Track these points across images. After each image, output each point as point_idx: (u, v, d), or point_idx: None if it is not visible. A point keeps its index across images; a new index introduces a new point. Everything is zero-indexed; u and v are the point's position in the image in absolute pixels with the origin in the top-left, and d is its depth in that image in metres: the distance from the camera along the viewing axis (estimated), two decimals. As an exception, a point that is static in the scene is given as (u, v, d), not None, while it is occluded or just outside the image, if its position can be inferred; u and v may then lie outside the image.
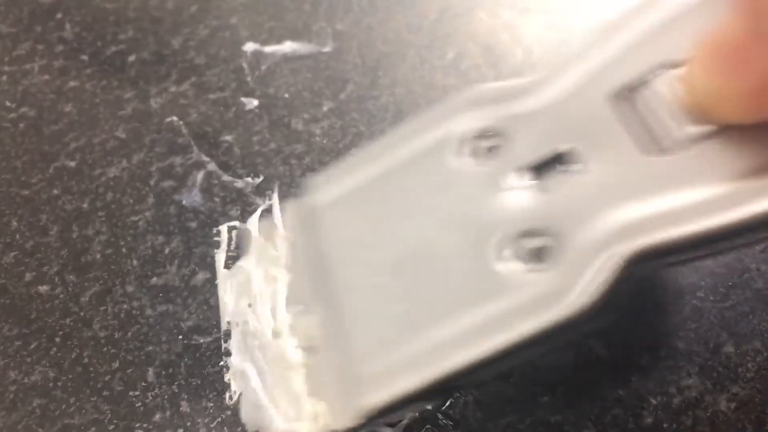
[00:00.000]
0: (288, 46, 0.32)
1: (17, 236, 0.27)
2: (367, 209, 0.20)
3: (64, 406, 0.24)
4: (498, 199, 0.18)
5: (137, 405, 0.23)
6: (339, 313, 0.20)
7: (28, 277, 0.26)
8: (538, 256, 0.17)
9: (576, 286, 0.16)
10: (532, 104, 0.18)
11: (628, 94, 0.17)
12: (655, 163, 0.16)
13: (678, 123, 0.16)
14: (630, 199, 0.16)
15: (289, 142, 0.29)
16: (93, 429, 0.23)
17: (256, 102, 0.30)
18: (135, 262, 0.26)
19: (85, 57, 0.32)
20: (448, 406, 0.23)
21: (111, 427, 0.23)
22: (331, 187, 0.21)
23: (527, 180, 0.18)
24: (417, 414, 0.23)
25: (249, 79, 0.31)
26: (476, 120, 0.19)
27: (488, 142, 0.19)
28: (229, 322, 0.22)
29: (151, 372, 0.24)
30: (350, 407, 0.18)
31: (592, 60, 0.18)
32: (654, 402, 0.23)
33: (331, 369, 0.19)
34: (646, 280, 0.25)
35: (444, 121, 0.20)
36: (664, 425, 0.22)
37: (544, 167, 0.18)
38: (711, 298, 0.25)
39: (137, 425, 0.23)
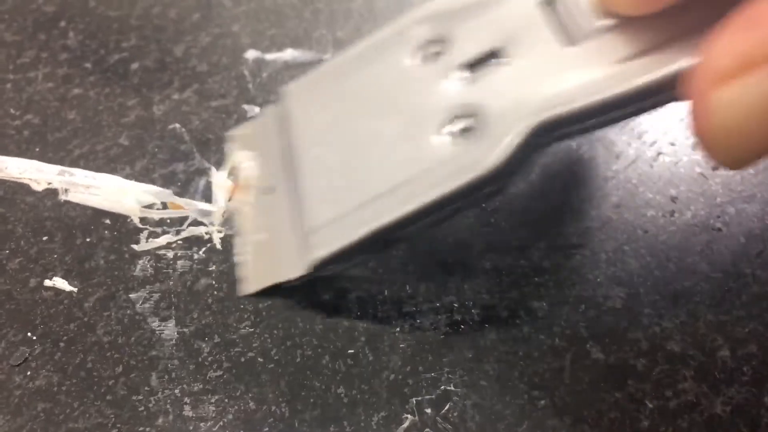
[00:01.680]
0: (289, 54, 0.32)
1: (22, 242, 0.27)
2: (331, 105, 0.25)
3: (68, 411, 0.24)
4: (438, 91, 0.22)
5: (140, 409, 0.24)
6: (296, 186, 0.24)
7: (32, 282, 0.26)
8: (467, 133, 0.21)
9: (489, 153, 0.20)
10: (473, 13, 0.22)
11: None
12: (567, 52, 0.20)
13: (588, 19, 0.19)
14: (541, 83, 0.20)
15: (290, 149, 0.29)
16: (97, 433, 0.23)
17: (257, 109, 0.30)
18: (138, 268, 0.26)
19: (88, 65, 0.32)
20: (447, 409, 0.23)
21: (114, 431, 0.23)
22: (302, 90, 0.26)
23: (464, 74, 0.22)
24: (416, 417, 0.23)
25: (251, 86, 0.31)
26: (426, 28, 0.23)
27: (436, 48, 0.23)
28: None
29: (154, 376, 0.24)
30: (300, 259, 0.23)
31: None
32: (650, 405, 0.23)
33: (285, 230, 0.24)
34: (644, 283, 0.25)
35: (398, 31, 0.24)
36: (661, 429, 0.23)
37: (480, 63, 0.21)
38: (707, 302, 0.25)
39: (141, 429, 0.23)
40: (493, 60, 0.21)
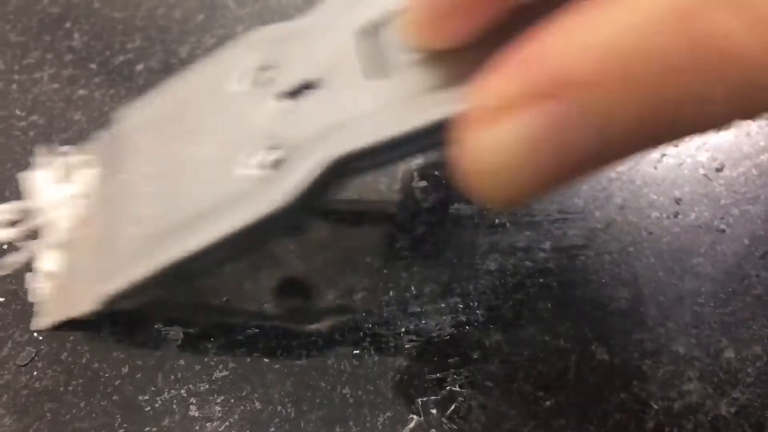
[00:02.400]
0: (294, 55, 0.32)
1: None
2: (156, 128, 0.24)
3: (74, 411, 0.24)
4: (253, 119, 0.21)
5: (147, 409, 0.24)
6: (112, 214, 0.24)
7: (38, 283, 0.27)
8: (278, 165, 0.20)
9: (282, 188, 0.19)
10: (298, 41, 0.21)
11: (373, 30, 0.19)
12: (374, 85, 0.19)
13: (398, 52, 0.19)
14: (341, 116, 0.19)
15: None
16: (103, 433, 0.24)
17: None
18: (144, 268, 0.27)
19: (93, 66, 0.32)
20: (453, 410, 0.23)
21: (120, 431, 0.23)
22: (133, 115, 0.25)
23: (285, 103, 0.21)
24: (422, 417, 0.23)
25: (255, 87, 0.31)
26: (256, 54, 0.22)
27: (265, 74, 0.22)
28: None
29: (160, 377, 0.24)
30: (93, 294, 0.23)
31: (343, 1, 0.21)
32: (656, 407, 0.23)
33: (92, 260, 0.24)
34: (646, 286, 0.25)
35: (229, 56, 0.23)
36: (666, 429, 0.23)
37: (299, 93, 0.21)
38: (711, 303, 0.25)
39: (147, 429, 0.23)
40: (306, 90, 0.20)
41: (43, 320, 0.25)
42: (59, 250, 0.26)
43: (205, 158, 0.22)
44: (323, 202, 0.20)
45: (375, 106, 0.19)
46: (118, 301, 0.22)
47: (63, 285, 0.25)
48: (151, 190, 0.23)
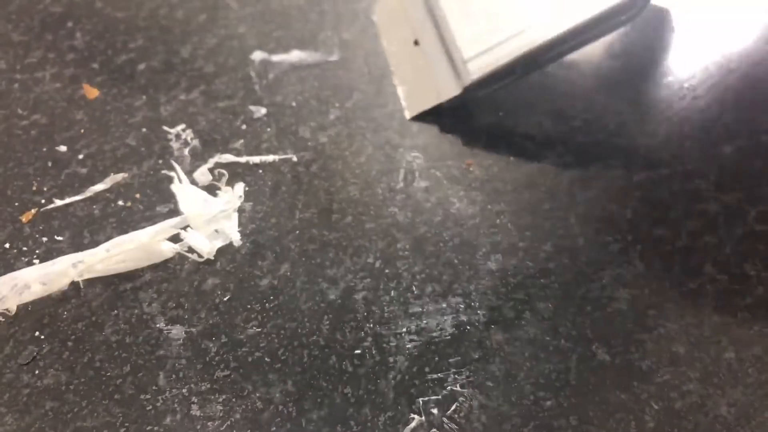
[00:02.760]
0: (295, 55, 0.32)
1: (30, 242, 0.27)
2: None
3: (76, 409, 0.24)
4: None
5: (148, 408, 0.24)
6: (441, 32, 0.30)
7: (40, 282, 0.27)
8: None
9: None
10: None
11: None
12: None
13: None
14: None
15: (297, 150, 0.29)
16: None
17: (264, 110, 0.30)
18: (146, 267, 0.27)
19: (95, 65, 0.32)
20: (453, 410, 0.23)
21: (122, 430, 0.23)
22: None
23: None
24: (423, 417, 0.23)
25: (257, 87, 0.31)
26: None
27: None
28: None
29: (162, 376, 0.24)
30: (455, 83, 0.29)
31: None
32: (656, 407, 0.23)
33: (439, 66, 0.30)
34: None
35: None
36: (666, 429, 0.23)
37: None
38: (711, 304, 0.25)
39: (148, 428, 0.23)
40: None
41: (411, 111, 0.31)
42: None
43: None
44: None
45: None
46: (477, 89, 0.28)
47: (421, 84, 0.31)
48: (480, 10, 0.29)
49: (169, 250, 0.26)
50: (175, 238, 0.27)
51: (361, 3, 0.34)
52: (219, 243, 0.27)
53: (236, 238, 0.27)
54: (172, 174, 0.29)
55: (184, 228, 0.27)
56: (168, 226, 0.27)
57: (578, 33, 0.26)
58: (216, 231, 0.27)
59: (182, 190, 0.28)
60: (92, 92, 0.28)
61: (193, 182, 0.28)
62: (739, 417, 0.23)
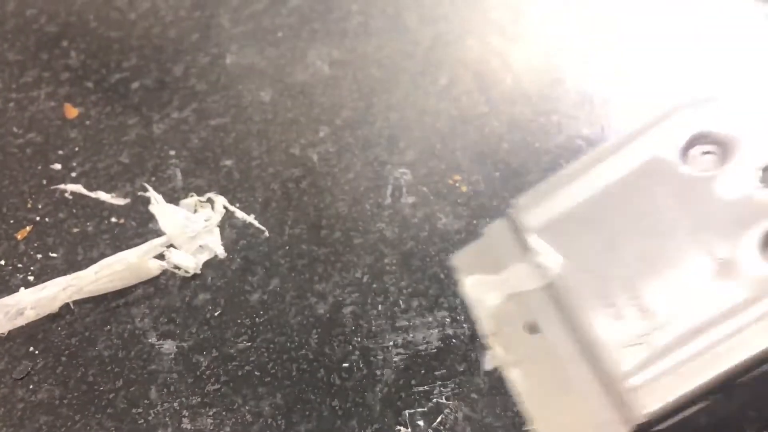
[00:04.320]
0: (286, 73, 0.33)
1: (24, 258, 0.28)
2: (588, 226, 0.21)
3: (69, 423, 0.24)
4: (734, 201, 0.18)
5: (140, 422, 0.24)
6: (575, 324, 0.21)
7: (34, 298, 0.27)
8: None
9: None
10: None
11: None
12: None
13: None
14: None
15: (287, 167, 0.30)
16: (97, 445, 0.24)
17: (255, 128, 0.31)
18: (138, 283, 0.27)
19: (89, 84, 0.33)
20: (439, 422, 0.24)
21: (115, 444, 0.24)
22: (533, 203, 0.23)
23: (758, 179, 0.18)
24: (409, 429, 0.24)
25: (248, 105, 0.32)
26: (693, 128, 0.19)
27: (706, 148, 0.19)
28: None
29: (153, 390, 0.25)
30: (619, 414, 0.19)
31: None
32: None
33: (577, 379, 0.21)
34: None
35: (654, 136, 0.20)
36: None
37: None
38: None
39: (140, 441, 0.24)
40: None
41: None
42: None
43: (681, 254, 0.19)
44: None
45: None
46: (655, 424, 0.20)
47: (556, 405, 0.22)
48: (632, 296, 0.20)
49: (156, 267, 0.27)
50: (162, 255, 0.27)
51: (351, 21, 0.35)
52: (204, 257, 0.27)
53: (220, 251, 0.28)
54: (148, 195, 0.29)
55: (168, 247, 0.27)
56: (155, 245, 0.27)
57: None
58: (200, 246, 0.28)
59: (161, 210, 0.28)
60: (72, 112, 0.29)
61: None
62: (738, 416, 0.23)
